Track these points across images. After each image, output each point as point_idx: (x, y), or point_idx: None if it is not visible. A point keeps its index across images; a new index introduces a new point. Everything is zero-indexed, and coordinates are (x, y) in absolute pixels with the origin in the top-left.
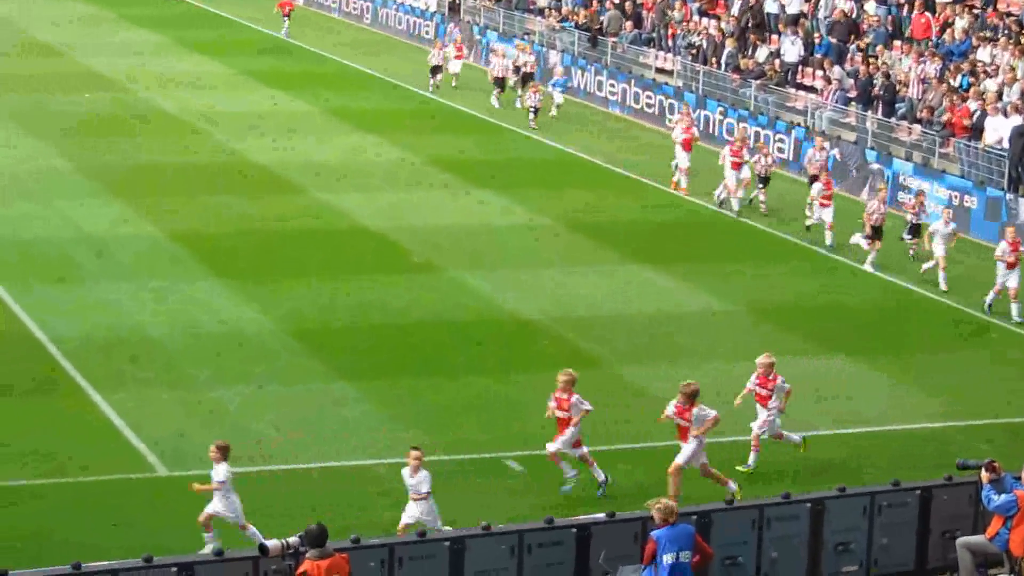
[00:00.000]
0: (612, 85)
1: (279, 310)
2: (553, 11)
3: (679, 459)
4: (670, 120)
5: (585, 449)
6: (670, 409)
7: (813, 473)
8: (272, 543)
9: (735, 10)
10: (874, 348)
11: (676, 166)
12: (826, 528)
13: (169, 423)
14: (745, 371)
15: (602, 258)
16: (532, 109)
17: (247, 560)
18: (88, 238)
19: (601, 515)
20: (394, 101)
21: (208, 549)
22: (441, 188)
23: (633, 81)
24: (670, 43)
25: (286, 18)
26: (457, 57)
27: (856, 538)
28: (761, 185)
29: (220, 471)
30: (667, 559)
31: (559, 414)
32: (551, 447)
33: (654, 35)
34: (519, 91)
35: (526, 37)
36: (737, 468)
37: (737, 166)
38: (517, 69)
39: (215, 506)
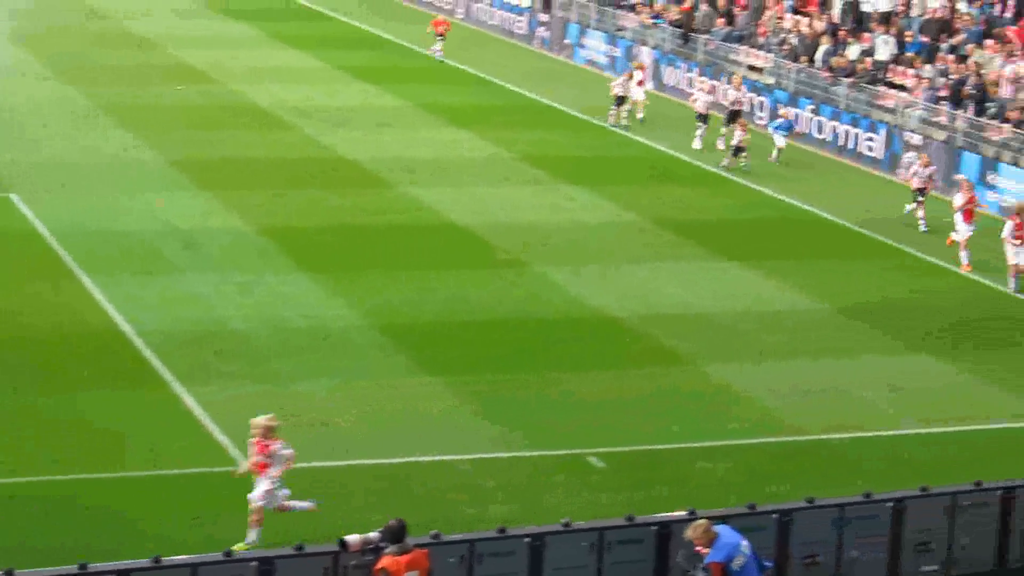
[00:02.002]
0: (703, 83)
1: (366, 305)
2: (645, 7)
3: (259, 500)
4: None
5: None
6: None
7: (897, 473)
8: (352, 538)
9: (836, 9)
10: (961, 347)
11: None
12: (907, 527)
13: (253, 417)
14: (830, 369)
15: (689, 255)
16: (734, 148)
17: (327, 555)
18: (176, 231)
19: (683, 513)
20: (486, 96)
21: None
22: (531, 184)
23: (723, 78)
24: (762, 40)
25: (440, 38)
26: (639, 83)
27: (936, 538)
28: (921, 199)
29: None
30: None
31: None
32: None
33: (745, 32)
34: (723, 128)
35: (619, 33)
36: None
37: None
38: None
39: None
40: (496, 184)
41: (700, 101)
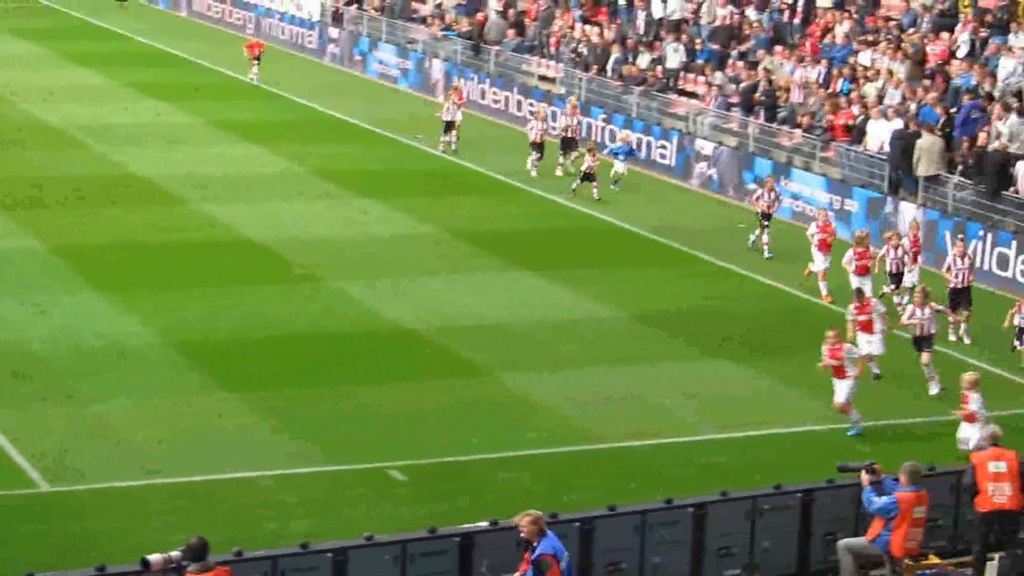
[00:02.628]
0: (495, 93)
1: (161, 322)
2: (436, 20)
3: None
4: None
5: None
6: None
7: (697, 478)
8: (155, 557)
9: (639, 20)
10: (758, 352)
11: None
12: (708, 532)
13: (51, 438)
14: (628, 377)
15: (485, 266)
16: (582, 175)
17: (130, 575)
18: None
19: (484, 523)
20: (278, 111)
21: None
22: (324, 198)
23: (515, 88)
24: (553, 51)
25: (255, 61)
26: (458, 105)
27: (738, 542)
28: (766, 223)
29: None
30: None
31: None
32: None
33: (536, 43)
34: (560, 157)
35: (410, 45)
36: None
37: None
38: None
39: None
40: (289, 199)
41: (535, 129)
